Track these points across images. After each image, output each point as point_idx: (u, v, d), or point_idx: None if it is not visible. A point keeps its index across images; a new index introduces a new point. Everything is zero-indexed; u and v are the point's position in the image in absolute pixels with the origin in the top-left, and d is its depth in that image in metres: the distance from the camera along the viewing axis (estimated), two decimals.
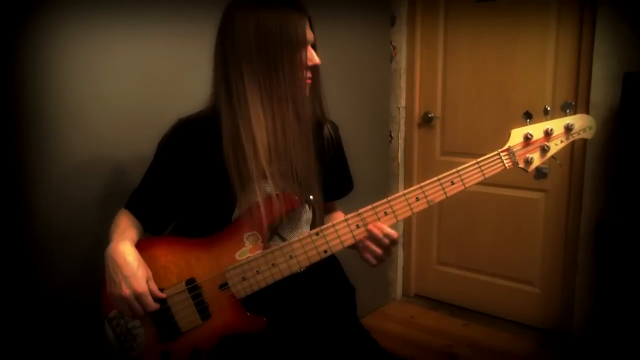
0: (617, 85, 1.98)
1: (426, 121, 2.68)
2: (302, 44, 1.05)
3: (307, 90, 1.10)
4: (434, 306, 2.77)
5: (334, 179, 1.24)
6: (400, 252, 2.86)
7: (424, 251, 2.82)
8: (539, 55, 2.30)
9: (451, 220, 2.68)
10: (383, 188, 2.72)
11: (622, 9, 2.03)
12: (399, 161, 2.78)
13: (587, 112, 2.13)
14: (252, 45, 1.02)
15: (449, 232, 2.71)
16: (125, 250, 1.03)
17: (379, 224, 1.05)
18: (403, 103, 2.74)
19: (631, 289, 1.73)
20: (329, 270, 1.25)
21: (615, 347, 1.80)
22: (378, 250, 1.06)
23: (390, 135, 2.77)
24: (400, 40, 2.68)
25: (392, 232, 1.05)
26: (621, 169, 1.84)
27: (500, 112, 2.43)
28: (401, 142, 2.77)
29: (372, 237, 1.05)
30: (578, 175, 2.25)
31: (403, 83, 2.72)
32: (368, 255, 1.08)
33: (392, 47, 2.70)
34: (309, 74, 1.09)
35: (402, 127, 2.76)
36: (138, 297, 1.01)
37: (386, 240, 1.05)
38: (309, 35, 1.08)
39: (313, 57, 1.08)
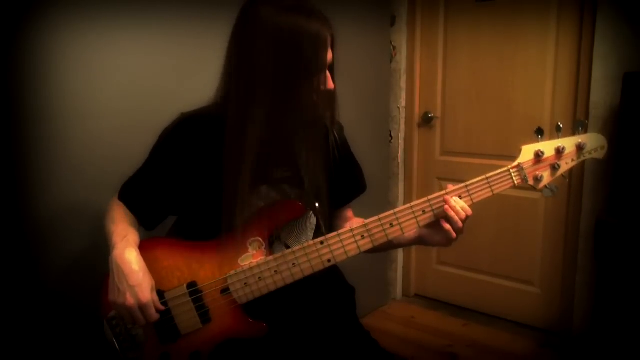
0: (617, 85, 1.98)
1: (426, 121, 2.68)
2: (321, 69, 1.00)
3: (317, 111, 1.06)
4: (434, 306, 2.77)
5: (343, 180, 1.22)
6: (400, 252, 2.86)
7: (424, 251, 2.82)
8: (539, 55, 2.30)
9: None
10: (383, 188, 2.73)
11: (622, 9, 2.03)
12: (399, 161, 2.78)
13: (587, 112, 2.13)
14: (268, 56, 0.97)
15: None
16: (131, 258, 1.02)
17: (452, 203, 1.03)
18: (403, 103, 2.74)
19: (631, 288, 1.73)
20: (327, 271, 1.24)
21: (615, 347, 1.80)
22: (459, 223, 1.04)
23: (390, 135, 2.77)
24: (400, 40, 2.68)
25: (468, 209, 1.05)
26: (621, 169, 1.84)
27: (500, 112, 2.43)
28: (401, 142, 2.77)
29: (447, 218, 1.04)
30: (578, 175, 2.25)
31: (403, 83, 2.72)
32: (444, 235, 1.06)
33: (392, 47, 2.69)
34: (321, 98, 1.04)
35: (402, 127, 2.76)
36: (142, 307, 1.00)
37: (462, 214, 1.04)
38: (329, 57, 1.02)
39: (328, 82, 1.03)
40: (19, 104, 1.31)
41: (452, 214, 1.03)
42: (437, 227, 1.06)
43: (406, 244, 1.17)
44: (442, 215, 1.05)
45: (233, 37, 1.04)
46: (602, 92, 2.10)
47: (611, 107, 2.06)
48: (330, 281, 1.25)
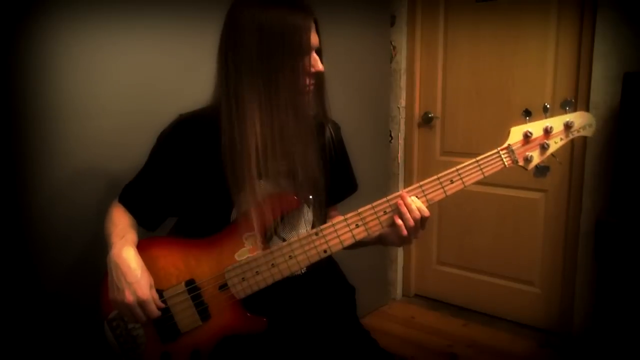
0: (617, 85, 1.98)
1: (426, 121, 2.68)
2: (306, 51, 1.03)
3: (310, 96, 1.08)
4: (434, 306, 2.77)
5: (336, 179, 1.23)
6: (400, 252, 2.86)
7: (424, 251, 2.82)
8: (539, 55, 2.30)
9: (451, 220, 2.68)
10: (383, 188, 2.72)
11: (622, 10, 2.03)
12: (399, 161, 2.78)
13: (587, 111, 2.13)
14: (253, 49, 1.00)
15: (449, 232, 2.71)
16: (128, 256, 1.03)
17: (407, 200, 1.03)
18: (403, 103, 2.74)
19: (631, 288, 1.73)
20: (328, 271, 1.25)
21: (616, 347, 1.80)
22: (410, 221, 1.03)
23: (390, 135, 2.77)
24: (400, 40, 2.68)
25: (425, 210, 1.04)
26: (621, 169, 1.84)
27: (500, 112, 2.43)
28: (401, 142, 2.77)
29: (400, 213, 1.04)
30: (578, 175, 2.25)
31: (403, 83, 2.72)
32: (396, 233, 1.05)
33: (392, 47, 2.70)
34: (312, 80, 1.06)
35: (402, 127, 2.76)
36: (141, 304, 1.01)
37: (416, 213, 1.03)
38: (314, 40, 1.04)
39: (316, 63, 1.05)
40: (19, 104, 1.31)
41: (404, 209, 1.04)
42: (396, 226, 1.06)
43: (369, 244, 1.16)
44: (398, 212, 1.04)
45: (222, 38, 1.06)
46: (602, 92, 2.10)
47: (611, 107, 2.06)
48: (331, 281, 1.25)
